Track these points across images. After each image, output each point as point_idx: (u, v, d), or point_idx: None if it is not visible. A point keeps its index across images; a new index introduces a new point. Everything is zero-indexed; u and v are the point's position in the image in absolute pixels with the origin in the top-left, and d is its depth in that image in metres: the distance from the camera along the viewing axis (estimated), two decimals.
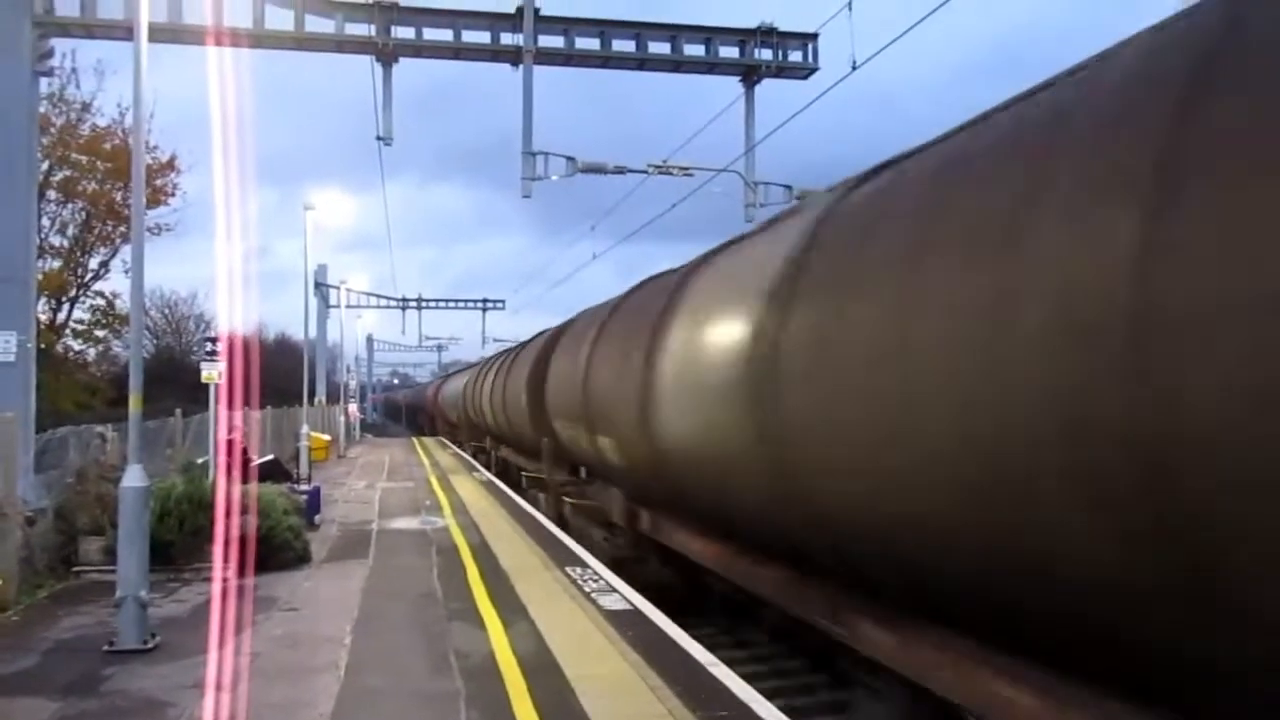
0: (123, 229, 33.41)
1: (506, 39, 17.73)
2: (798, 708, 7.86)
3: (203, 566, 11.71)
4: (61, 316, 35.07)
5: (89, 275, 35.71)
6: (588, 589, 10.82)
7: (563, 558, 13.00)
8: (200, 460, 15.71)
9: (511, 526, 16.33)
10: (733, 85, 18.96)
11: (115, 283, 35.95)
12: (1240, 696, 3.71)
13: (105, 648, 8.33)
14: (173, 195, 35.18)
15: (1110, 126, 3.98)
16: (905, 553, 5.50)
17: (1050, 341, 3.91)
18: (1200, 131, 3.45)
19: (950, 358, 4.66)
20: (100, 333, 36.97)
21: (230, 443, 15.03)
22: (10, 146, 14.38)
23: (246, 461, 16.02)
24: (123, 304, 34.71)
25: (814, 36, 18.45)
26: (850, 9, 13.59)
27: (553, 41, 17.94)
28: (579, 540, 14.56)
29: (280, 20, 16.83)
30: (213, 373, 15.38)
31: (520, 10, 17.48)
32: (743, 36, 18.58)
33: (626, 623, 9.13)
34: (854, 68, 13.85)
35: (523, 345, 27.69)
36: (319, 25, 17.10)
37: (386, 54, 17.34)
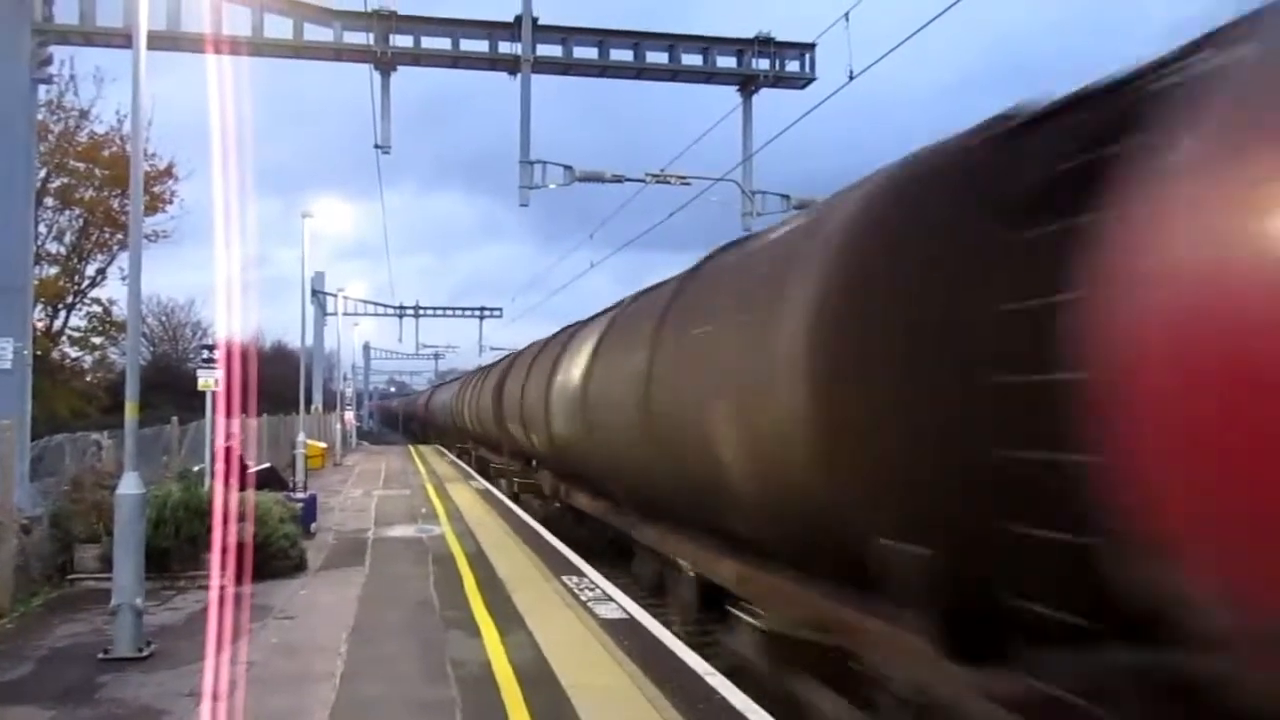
0: (120, 236, 33.37)
1: (505, 48, 17.75)
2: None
3: (198, 574, 11.69)
4: (58, 323, 35.01)
5: (86, 282, 35.66)
6: (584, 598, 10.82)
7: (559, 567, 13.00)
8: (196, 468, 15.70)
9: (508, 535, 16.32)
10: (730, 95, 19.00)
11: (112, 290, 35.90)
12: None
13: (100, 656, 8.32)
14: (170, 202, 35.12)
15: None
16: (646, 487, 10.45)
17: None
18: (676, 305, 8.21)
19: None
20: (97, 340, 36.88)
21: (227, 450, 15.02)
22: (8, 153, 14.37)
23: (243, 469, 16.01)
24: (120, 311, 34.67)
25: (811, 47, 18.49)
26: (848, 20, 13.65)
27: (551, 50, 17.97)
28: (524, 509, 20.31)
29: (279, 29, 16.85)
30: (209, 380, 15.37)
31: (518, 19, 17.50)
32: (740, 46, 18.62)
33: (623, 632, 9.13)
34: (851, 78, 13.91)
35: (490, 367, 34.90)
36: (318, 34, 17.11)
37: (385, 63, 17.36)
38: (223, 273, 14.90)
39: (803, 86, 18.72)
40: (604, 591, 11.19)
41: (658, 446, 9.33)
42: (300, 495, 18.14)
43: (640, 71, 18.45)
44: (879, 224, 5.43)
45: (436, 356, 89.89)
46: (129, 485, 8.66)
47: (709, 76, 18.79)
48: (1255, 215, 2.76)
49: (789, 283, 6.18)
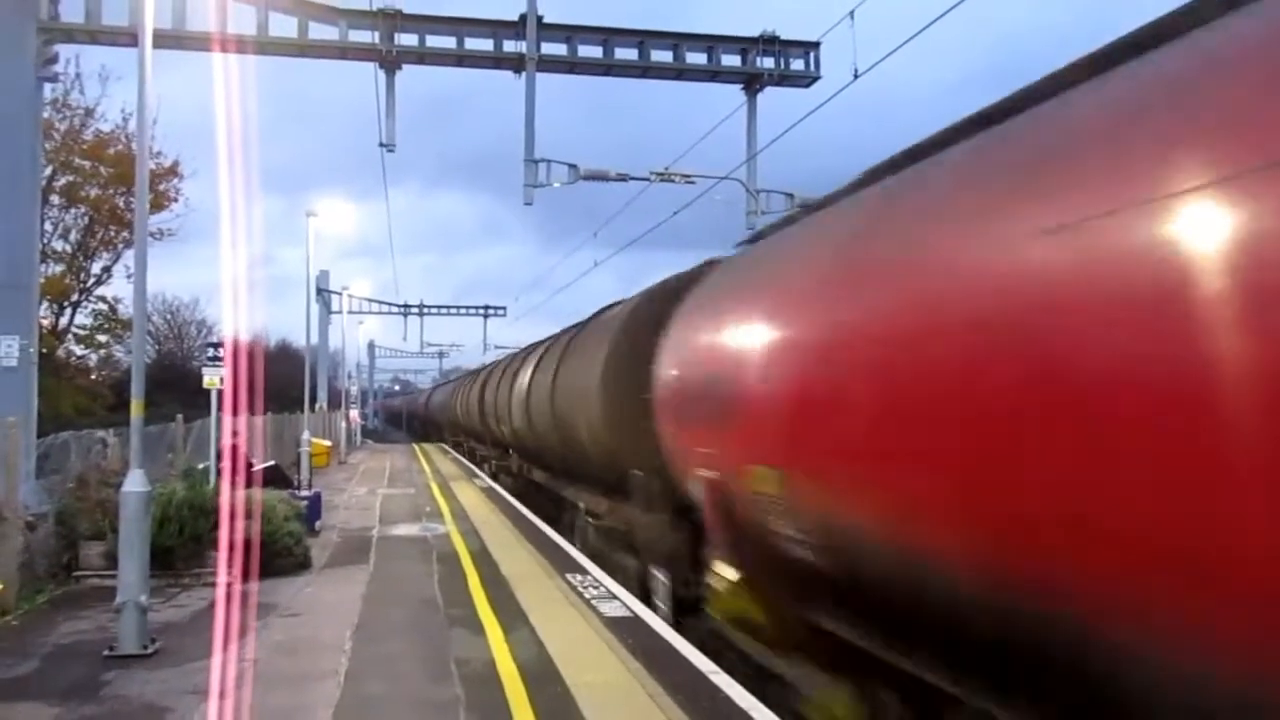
0: (125, 234, 33.45)
1: (509, 46, 17.77)
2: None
3: (203, 572, 11.72)
4: (63, 321, 35.10)
5: (91, 280, 35.75)
6: (588, 596, 10.82)
7: (563, 565, 13.00)
8: (201, 466, 15.71)
9: (512, 534, 16.33)
10: (735, 93, 19.01)
11: (117, 288, 35.99)
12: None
13: (105, 653, 8.34)
14: (175, 200, 35.19)
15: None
16: (556, 458, 17.08)
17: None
18: (567, 347, 16.39)
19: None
20: (102, 338, 37.01)
21: (232, 448, 15.04)
22: (14, 151, 14.41)
23: (248, 467, 16.02)
24: (125, 309, 34.78)
25: (816, 45, 18.49)
26: (852, 18, 13.64)
27: (556, 49, 17.98)
28: (498, 482, 26.97)
29: (284, 27, 16.89)
30: (215, 378, 15.38)
31: (523, 18, 17.52)
32: (745, 45, 18.62)
33: (626, 630, 9.13)
34: (855, 76, 13.89)
35: (477, 372, 42.88)
36: (323, 33, 17.15)
37: (390, 61, 17.38)
38: (228, 271, 14.95)
39: (807, 85, 18.72)
40: (608, 589, 11.20)
41: (559, 432, 16.39)
42: (305, 493, 18.16)
43: (645, 70, 18.45)
44: (630, 320, 12.38)
45: (441, 355, 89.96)
46: (134, 483, 8.68)
47: (714, 75, 18.79)
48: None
49: (596, 346, 13.58)
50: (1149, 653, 3.23)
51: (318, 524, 16.23)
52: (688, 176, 18.92)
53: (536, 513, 18.94)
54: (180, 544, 11.66)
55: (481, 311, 61.36)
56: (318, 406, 39.10)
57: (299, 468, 25.58)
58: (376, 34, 17.27)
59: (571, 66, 18.30)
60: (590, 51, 18.20)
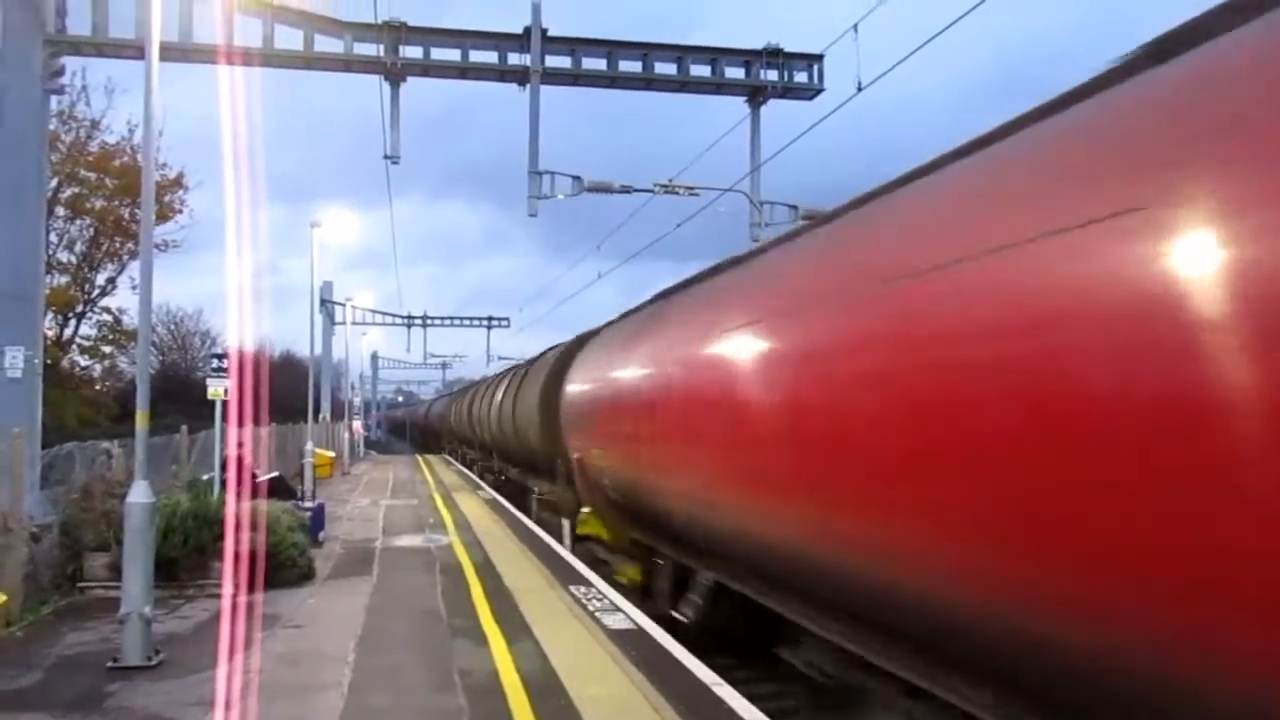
0: (130, 245, 33.58)
1: (514, 59, 17.82)
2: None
3: (207, 583, 11.72)
4: (68, 332, 35.23)
5: (96, 291, 35.90)
6: (591, 608, 10.81)
7: (567, 577, 12.99)
8: (205, 477, 15.73)
9: (516, 545, 16.32)
10: (739, 105, 19.04)
11: (122, 299, 36.15)
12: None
13: (109, 664, 8.34)
14: (180, 212, 35.41)
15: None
16: (519, 456, 24.29)
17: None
18: (523, 375, 24.22)
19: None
20: (107, 349, 37.16)
21: (239, 459, 15.06)
22: (20, 163, 14.46)
23: (252, 478, 16.03)
24: (130, 320, 34.87)
25: (819, 58, 18.52)
26: (856, 31, 13.67)
27: (560, 62, 18.03)
28: (481, 478, 33.81)
29: (289, 40, 16.93)
30: (219, 389, 15.41)
31: (528, 30, 17.57)
32: (749, 57, 18.66)
33: (630, 642, 9.12)
34: (859, 89, 13.92)
35: (468, 388, 50.99)
36: (328, 45, 17.21)
37: (394, 74, 17.43)
38: (232, 282, 14.98)
39: (811, 97, 18.75)
40: (612, 601, 11.18)
41: (518, 437, 23.29)
42: (308, 504, 18.15)
43: (649, 82, 18.49)
44: (555, 364, 18.37)
45: (444, 366, 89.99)
46: (138, 494, 8.69)
47: (717, 87, 18.82)
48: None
49: (535, 379, 20.69)
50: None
51: (321, 535, 16.23)
52: (691, 188, 18.94)
53: (509, 499, 24.94)
54: (184, 555, 11.67)
55: (485, 323, 61.42)
56: (321, 417, 39.12)
57: (303, 479, 25.58)
58: (381, 46, 17.32)
59: (575, 79, 18.35)
60: (594, 64, 18.24)
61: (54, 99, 17.57)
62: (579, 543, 15.31)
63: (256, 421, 20.06)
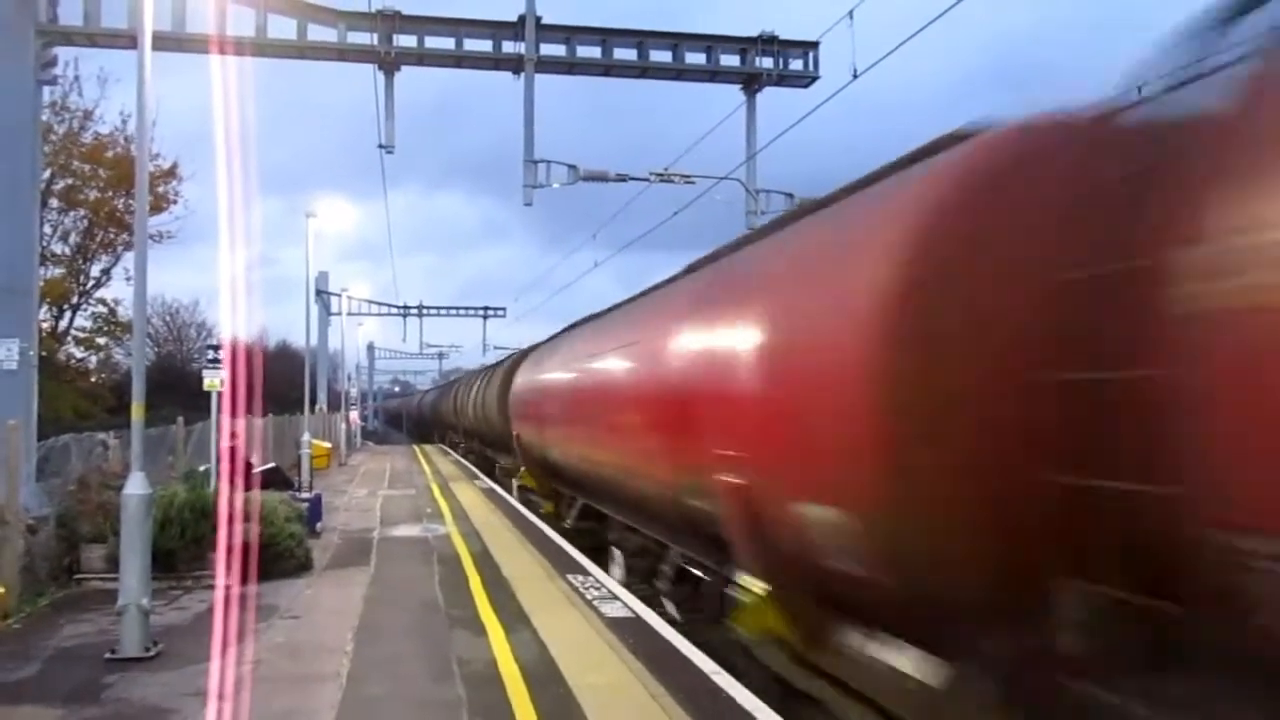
0: (124, 236, 33.47)
1: (508, 47, 17.76)
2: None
3: (204, 574, 11.72)
4: (63, 324, 35.11)
5: (91, 283, 35.77)
6: (589, 597, 10.83)
7: (565, 566, 13.01)
8: (202, 468, 15.71)
9: (513, 535, 16.33)
10: (734, 93, 19.00)
11: (117, 290, 36.02)
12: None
13: (107, 656, 8.34)
14: (174, 203, 35.18)
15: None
16: (491, 439, 30.96)
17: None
18: (490, 376, 32.64)
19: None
20: (102, 340, 37.01)
21: (233, 450, 15.03)
22: (14, 155, 14.38)
23: (248, 469, 16.01)
24: (124, 311, 34.79)
25: (815, 45, 18.47)
26: (851, 18, 13.64)
27: (554, 50, 17.97)
28: (464, 457, 40.80)
29: (283, 29, 16.87)
30: (215, 380, 15.36)
31: (522, 19, 17.50)
32: (744, 45, 18.61)
33: (628, 630, 9.14)
34: (855, 76, 13.89)
35: (455, 382, 57.07)
36: (321, 34, 17.13)
37: (388, 63, 17.37)
38: (227, 273, 14.94)
39: (806, 85, 18.71)
40: (609, 590, 11.20)
41: (487, 423, 30.04)
42: (305, 495, 18.17)
43: (644, 70, 18.44)
44: (509, 367, 25.75)
45: (441, 356, 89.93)
46: (135, 485, 8.68)
47: (713, 75, 18.78)
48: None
49: (495, 378, 29.05)
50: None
51: (318, 526, 16.23)
52: (687, 177, 18.93)
53: (477, 466, 34.83)
54: (181, 546, 11.67)
55: (481, 312, 61.36)
56: (318, 408, 39.10)
57: (299, 470, 25.58)
58: (375, 35, 17.26)
59: (570, 67, 18.29)
60: (589, 52, 18.18)
61: (46, 90, 17.49)
62: (521, 491, 22.79)
63: (252, 413, 20.04)
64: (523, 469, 21.27)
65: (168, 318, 59.02)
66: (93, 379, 37.50)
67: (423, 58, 17.87)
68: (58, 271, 33.68)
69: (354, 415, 54.74)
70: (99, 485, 12.20)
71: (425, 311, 61.31)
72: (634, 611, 10.01)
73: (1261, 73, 3.49)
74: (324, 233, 33.17)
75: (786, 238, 7.25)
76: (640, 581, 11.93)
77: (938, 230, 4.74)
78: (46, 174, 28.97)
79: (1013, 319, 4.40)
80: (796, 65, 18.61)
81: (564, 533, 16.34)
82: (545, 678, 7.62)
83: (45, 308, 31.33)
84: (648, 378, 9.69)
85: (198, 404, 19.63)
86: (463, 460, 39.45)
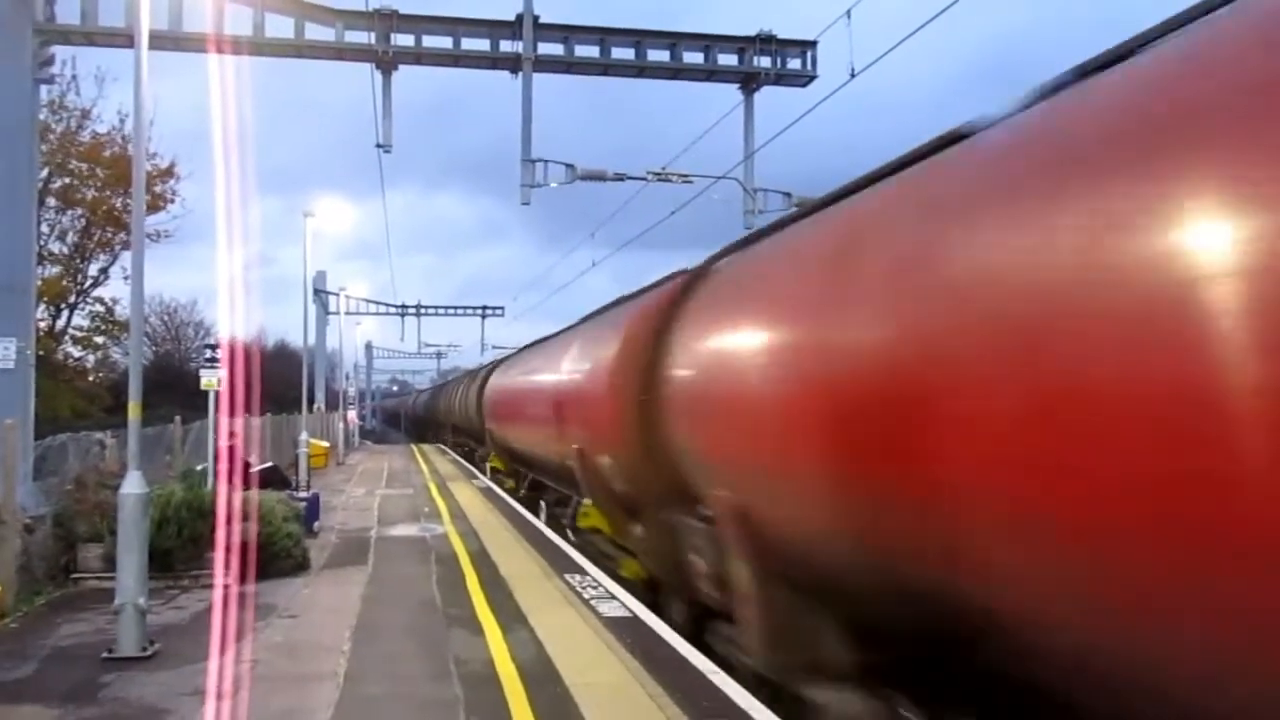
0: (122, 235, 33.43)
1: (506, 46, 17.77)
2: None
3: (202, 574, 11.70)
4: (61, 323, 35.07)
5: (88, 282, 35.74)
6: (587, 596, 10.82)
7: (562, 565, 13.00)
8: (199, 467, 15.70)
9: (511, 534, 16.33)
10: (732, 92, 19.02)
11: (114, 289, 35.98)
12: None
13: (104, 655, 8.33)
14: (172, 202, 35.17)
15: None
16: (469, 429, 37.33)
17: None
18: (473, 377, 40.80)
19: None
20: (99, 339, 37.00)
21: (231, 449, 15.03)
22: (11, 154, 14.38)
23: (246, 468, 16.01)
24: (122, 310, 34.75)
25: (813, 44, 18.50)
26: (849, 18, 13.65)
27: (552, 49, 17.98)
28: (452, 448, 47.17)
29: (280, 28, 16.88)
30: (212, 379, 15.36)
31: (520, 18, 17.52)
32: (742, 44, 18.63)
33: (625, 630, 9.14)
34: (853, 75, 13.90)
35: (446, 383, 64.89)
36: (319, 33, 17.14)
37: (386, 62, 17.38)
38: (225, 272, 14.93)
39: (804, 84, 18.73)
40: (606, 590, 11.19)
41: (469, 420, 35.00)
42: (303, 494, 18.16)
43: (642, 70, 18.45)
44: (483, 375, 33.20)
45: (439, 356, 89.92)
46: (132, 484, 8.67)
47: (710, 75, 18.80)
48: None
49: (473, 382, 36.66)
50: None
51: (316, 525, 16.22)
52: (685, 176, 18.93)
53: (464, 458, 39.47)
54: (179, 546, 11.65)
55: (479, 312, 61.37)
56: (315, 407, 39.09)
57: (297, 469, 25.56)
58: (372, 35, 17.27)
59: (568, 66, 18.31)
60: (587, 51, 18.20)
61: (44, 88, 17.49)
62: (493, 473, 28.46)
63: (250, 412, 20.03)
64: (492, 454, 28.74)
65: (165, 317, 59.01)
66: (90, 378, 37.48)
67: (420, 57, 17.88)
68: (55, 270, 33.66)
69: (352, 415, 54.70)
70: (96, 484, 12.19)
71: (423, 311, 61.36)
72: (631, 611, 10.01)
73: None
74: (322, 232, 33.15)
75: (580, 330, 15.84)
76: (549, 515, 18.77)
77: (647, 331, 10.14)
78: (44, 173, 28.97)
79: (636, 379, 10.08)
80: (794, 64, 18.63)
81: (565, 532, 16.35)
82: (542, 677, 7.61)
83: (43, 307, 31.30)
84: (546, 392, 16.30)
85: (195, 403, 19.64)
86: (461, 460, 39.47)
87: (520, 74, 17.60)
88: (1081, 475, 3.60)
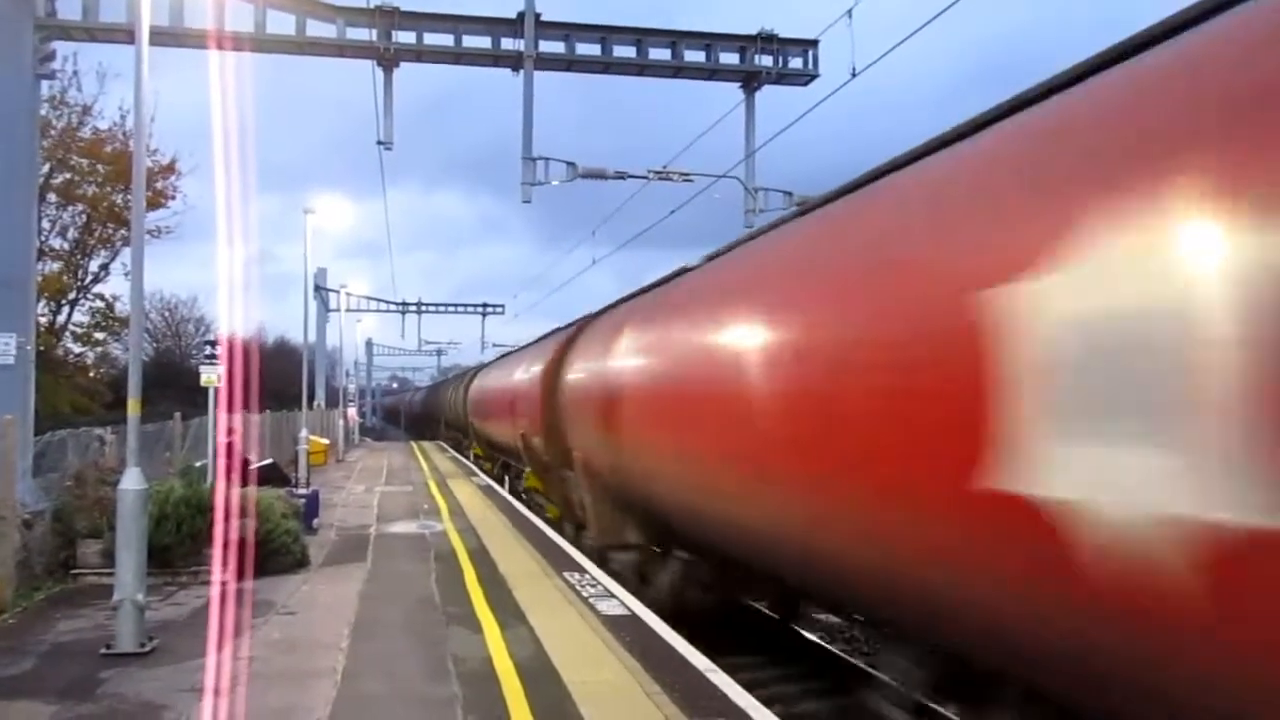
0: (123, 232, 33.38)
1: (507, 44, 17.75)
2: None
3: (200, 570, 11.70)
4: (61, 319, 35.05)
5: (89, 278, 35.70)
6: (585, 594, 10.82)
7: (561, 563, 13.00)
8: (199, 464, 15.70)
9: (510, 532, 16.33)
10: (733, 91, 18.99)
11: (115, 285, 35.94)
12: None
13: (102, 651, 8.33)
14: (173, 198, 35.13)
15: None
16: (457, 424, 45.03)
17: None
18: (461, 378, 50.12)
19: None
20: (100, 335, 36.98)
21: (230, 446, 15.02)
22: (11, 149, 14.36)
23: (245, 465, 16.01)
24: (122, 306, 34.71)
25: (814, 43, 18.47)
26: (850, 16, 13.63)
27: (553, 47, 17.95)
28: (449, 442, 51.03)
29: (281, 25, 16.85)
30: (212, 376, 15.36)
31: (521, 15, 17.50)
32: (743, 43, 18.61)
33: (624, 628, 9.14)
34: (854, 74, 13.88)
35: (441, 382, 68.85)
36: (320, 30, 17.11)
37: (387, 59, 17.35)
38: (225, 269, 14.93)
39: (805, 83, 18.70)
40: (605, 588, 11.20)
41: (459, 416, 40.91)
42: (302, 491, 18.15)
43: (643, 68, 18.43)
44: (469, 378, 41.51)
45: (439, 353, 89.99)
46: (131, 481, 8.67)
47: (712, 73, 18.77)
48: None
49: (458, 383, 46.73)
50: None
51: (315, 522, 16.22)
52: (686, 175, 18.90)
53: (455, 447, 44.68)
54: (178, 542, 11.64)
55: (479, 309, 61.33)
56: (315, 404, 39.09)
57: (297, 466, 25.56)
58: (374, 31, 17.25)
59: (569, 64, 18.28)
60: (588, 49, 18.17)
61: (45, 84, 17.48)
62: (476, 459, 34.18)
63: (249, 408, 20.03)
64: (474, 444, 36.14)
65: (166, 313, 59.11)
66: (90, 374, 37.46)
67: (422, 54, 17.85)
68: (55, 266, 33.65)
69: (352, 412, 54.71)
70: (95, 480, 12.18)
71: (424, 308, 61.28)
72: (630, 609, 10.01)
73: None
74: (323, 230, 33.18)
75: (528, 350, 22.99)
76: (511, 487, 24.25)
77: (554, 357, 16.44)
78: (45, 168, 28.92)
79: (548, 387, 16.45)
80: (796, 63, 18.60)
81: (571, 536, 16.40)
82: (541, 675, 7.61)
83: (43, 303, 31.30)
84: (506, 395, 22.66)
85: (195, 400, 19.65)
86: (460, 458, 39.52)
87: (521, 72, 17.58)
88: (713, 437, 8.26)
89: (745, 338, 7.51)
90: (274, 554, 12.33)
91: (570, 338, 16.24)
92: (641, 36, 18.29)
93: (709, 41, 18.62)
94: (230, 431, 15.93)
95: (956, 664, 5.64)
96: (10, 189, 14.34)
